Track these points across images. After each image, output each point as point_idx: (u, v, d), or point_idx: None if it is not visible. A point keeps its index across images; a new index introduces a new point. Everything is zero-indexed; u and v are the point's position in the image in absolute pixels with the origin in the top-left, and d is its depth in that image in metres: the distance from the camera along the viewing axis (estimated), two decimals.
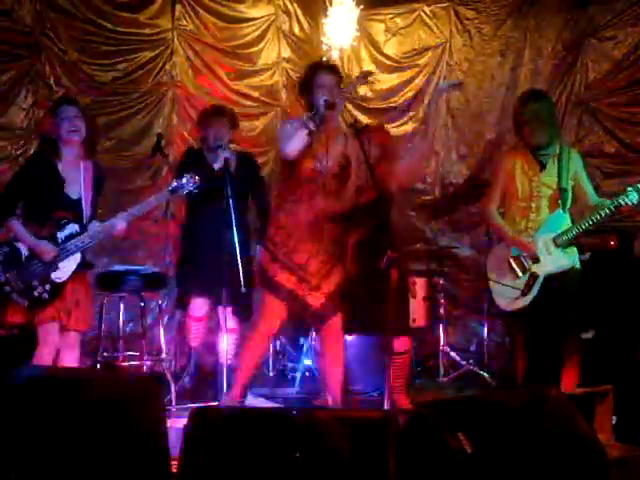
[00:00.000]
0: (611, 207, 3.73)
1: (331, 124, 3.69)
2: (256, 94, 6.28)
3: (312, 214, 3.66)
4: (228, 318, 4.37)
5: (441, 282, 5.80)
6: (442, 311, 5.78)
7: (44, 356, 3.66)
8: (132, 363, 5.00)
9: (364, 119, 6.16)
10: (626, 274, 4.96)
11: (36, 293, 3.64)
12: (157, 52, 5.89)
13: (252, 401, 4.25)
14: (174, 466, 2.33)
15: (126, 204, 5.42)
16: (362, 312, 3.85)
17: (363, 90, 6.39)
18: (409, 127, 6.56)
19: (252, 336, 3.92)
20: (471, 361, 5.68)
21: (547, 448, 2.34)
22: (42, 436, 2.26)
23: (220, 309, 4.50)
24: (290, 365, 5.55)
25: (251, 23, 6.25)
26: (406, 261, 5.47)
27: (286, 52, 6.40)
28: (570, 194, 3.93)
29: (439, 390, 5.33)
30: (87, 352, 4.96)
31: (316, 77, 3.68)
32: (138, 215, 3.99)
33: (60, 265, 3.70)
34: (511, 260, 3.97)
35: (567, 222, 3.92)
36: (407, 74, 6.58)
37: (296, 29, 6.43)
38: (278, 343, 5.46)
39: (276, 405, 4.62)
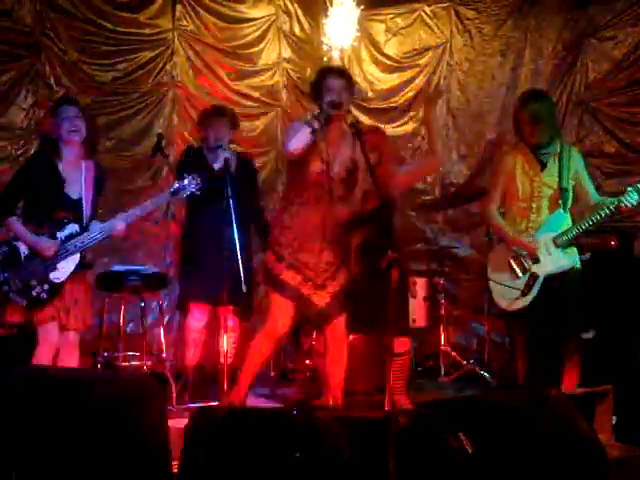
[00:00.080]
0: (611, 207, 3.72)
1: (338, 128, 3.68)
2: (256, 94, 6.28)
3: (318, 217, 3.66)
4: (229, 318, 4.37)
5: (441, 282, 5.80)
6: (442, 311, 5.78)
7: (44, 356, 3.65)
8: (132, 363, 5.01)
9: (364, 119, 6.16)
10: (626, 274, 4.96)
11: (34, 293, 3.64)
12: (157, 52, 5.89)
13: (253, 401, 4.24)
14: (175, 466, 2.34)
15: (126, 204, 5.43)
16: (362, 312, 3.85)
17: (364, 90, 6.40)
18: (409, 127, 6.57)
19: (258, 335, 3.89)
20: (471, 361, 5.68)
21: (547, 448, 2.34)
22: (43, 436, 2.26)
23: (221, 309, 4.50)
24: (291, 365, 5.55)
25: (252, 23, 6.25)
26: (406, 261, 5.47)
27: (287, 52, 6.40)
28: (571, 194, 3.93)
29: (439, 390, 5.33)
30: (87, 352, 4.97)
31: (325, 80, 3.68)
32: (139, 217, 3.98)
33: (59, 265, 3.69)
34: (511, 260, 3.97)
35: (568, 222, 3.91)
36: (407, 74, 6.59)
37: (297, 29, 6.44)
38: None
39: (276, 405, 4.63)
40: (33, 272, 3.65)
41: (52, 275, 3.68)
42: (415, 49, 6.58)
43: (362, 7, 5.85)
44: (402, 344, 4.09)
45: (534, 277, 3.88)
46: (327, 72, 3.78)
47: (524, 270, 3.92)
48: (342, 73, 3.77)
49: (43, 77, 5.46)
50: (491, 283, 4.06)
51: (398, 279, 3.23)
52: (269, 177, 6.28)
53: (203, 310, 4.65)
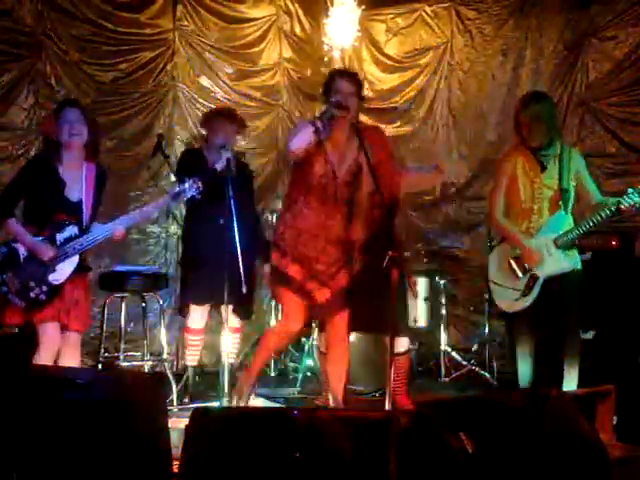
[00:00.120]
0: (612, 208, 3.72)
1: (342, 131, 3.67)
2: (257, 94, 6.29)
3: (322, 219, 3.66)
4: (231, 317, 4.37)
5: (442, 282, 5.80)
6: (443, 311, 5.78)
7: (44, 356, 3.65)
8: (133, 363, 5.01)
9: (365, 119, 6.16)
10: (627, 274, 4.96)
11: (33, 294, 3.63)
12: (158, 52, 5.89)
13: (253, 401, 4.24)
14: (176, 466, 2.33)
15: (126, 204, 5.47)
16: (362, 311, 3.85)
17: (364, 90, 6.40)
18: (410, 127, 6.57)
19: (270, 331, 4.04)
20: (472, 361, 5.69)
21: (548, 448, 2.34)
22: (44, 436, 2.26)
23: (222, 308, 4.49)
24: (291, 365, 5.56)
25: (252, 23, 6.26)
26: (407, 261, 5.46)
27: (287, 52, 6.41)
28: (572, 194, 3.92)
29: (440, 390, 5.33)
30: (88, 352, 4.97)
31: (335, 82, 3.67)
32: (138, 221, 3.98)
33: (57, 267, 3.69)
34: (511, 261, 3.96)
35: (569, 223, 3.90)
36: (408, 74, 6.59)
37: (297, 29, 6.44)
38: None
39: (277, 405, 4.63)
40: (32, 274, 3.65)
41: (51, 277, 3.68)
42: (416, 49, 6.58)
43: (363, 7, 5.84)
44: (401, 344, 4.09)
45: (534, 278, 3.88)
46: (338, 74, 3.76)
47: (524, 271, 3.92)
48: (353, 78, 3.74)
49: (44, 77, 5.47)
50: (491, 284, 4.06)
51: (398, 279, 3.23)
52: (270, 177, 6.29)
53: (203, 311, 4.65)
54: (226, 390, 3.99)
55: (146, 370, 4.76)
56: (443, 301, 5.79)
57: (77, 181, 3.81)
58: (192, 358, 4.77)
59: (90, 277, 4.09)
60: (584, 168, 3.99)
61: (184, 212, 4.96)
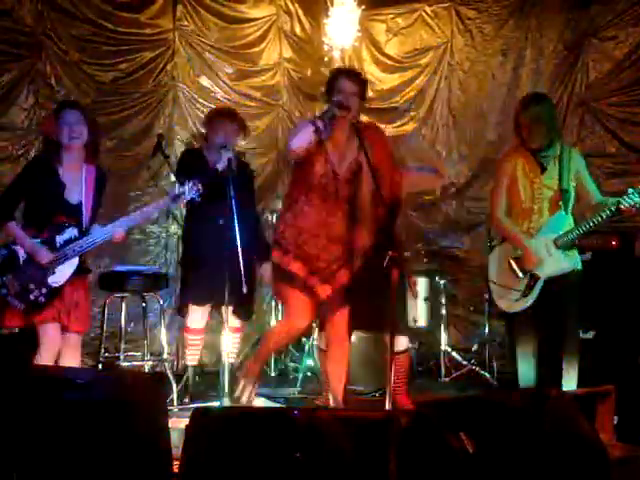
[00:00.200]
0: (612, 208, 3.72)
1: (343, 130, 3.67)
2: (257, 94, 6.29)
3: (323, 218, 3.65)
4: (231, 317, 4.37)
5: (442, 282, 5.80)
6: (443, 311, 5.78)
7: (45, 357, 3.65)
8: (134, 363, 5.01)
9: (365, 119, 6.15)
10: (627, 274, 4.96)
11: (32, 296, 3.63)
12: (158, 52, 5.89)
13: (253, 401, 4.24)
14: (176, 466, 2.33)
15: (126, 204, 5.47)
16: (362, 310, 3.85)
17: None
18: (410, 127, 6.57)
19: (276, 328, 4.08)
20: (472, 361, 5.69)
21: (548, 448, 2.34)
22: (44, 436, 2.26)
23: (223, 308, 4.49)
24: (292, 365, 5.56)
25: (252, 23, 6.26)
26: (407, 261, 5.46)
27: (287, 52, 6.41)
28: (572, 195, 3.92)
29: (440, 390, 5.33)
30: (89, 352, 4.97)
31: (337, 81, 3.66)
32: (138, 222, 3.97)
33: (57, 269, 3.69)
34: (512, 261, 3.96)
35: (569, 223, 3.90)
36: (408, 74, 6.59)
37: (297, 29, 6.44)
38: None
39: (277, 405, 4.63)
40: (31, 276, 3.64)
41: (50, 279, 3.67)
42: (416, 49, 6.58)
43: (363, 7, 5.85)
44: (400, 343, 4.09)
45: (535, 278, 3.88)
46: (342, 73, 3.74)
47: (525, 271, 3.91)
48: (357, 78, 3.72)
49: (44, 77, 5.47)
50: (491, 284, 4.06)
51: (398, 278, 3.23)
52: (270, 177, 6.29)
53: (204, 311, 4.65)
54: (226, 390, 4.00)
55: (146, 370, 4.76)
56: (443, 301, 5.79)
57: (77, 183, 3.80)
58: (192, 358, 4.77)
59: (90, 278, 4.10)
60: (584, 168, 3.99)
61: (184, 212, 4.95)
